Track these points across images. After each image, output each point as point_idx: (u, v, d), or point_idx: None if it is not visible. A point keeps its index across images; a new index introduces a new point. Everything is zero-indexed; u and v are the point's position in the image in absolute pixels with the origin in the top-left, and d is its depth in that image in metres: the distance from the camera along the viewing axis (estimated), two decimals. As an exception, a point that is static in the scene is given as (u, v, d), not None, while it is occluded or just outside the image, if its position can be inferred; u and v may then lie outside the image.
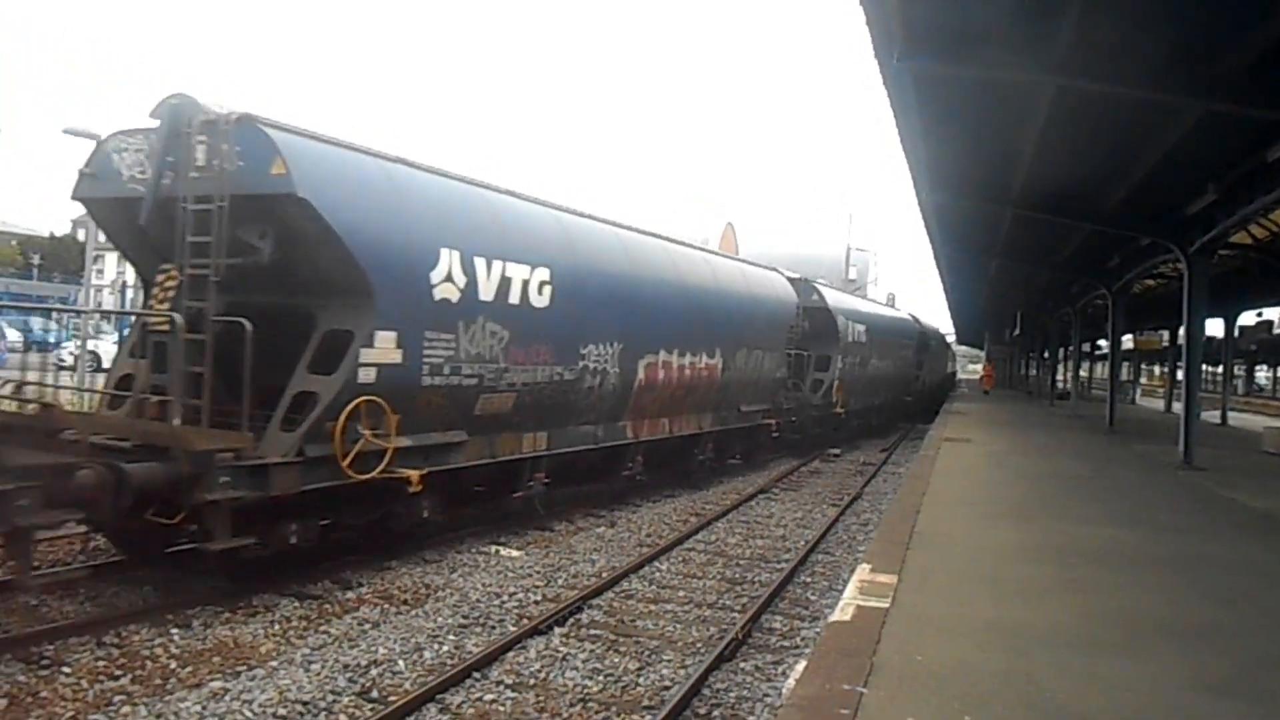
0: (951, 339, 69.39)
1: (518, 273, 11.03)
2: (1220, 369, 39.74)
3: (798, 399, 22.59)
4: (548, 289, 11.61)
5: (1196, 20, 9.34)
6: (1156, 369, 67.41)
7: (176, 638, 7.62)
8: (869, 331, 27.98)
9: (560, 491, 13.31)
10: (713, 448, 17.67)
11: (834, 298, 25.58)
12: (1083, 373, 48.32)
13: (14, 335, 34.47)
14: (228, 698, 6.39)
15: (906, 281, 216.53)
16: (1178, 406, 24.00)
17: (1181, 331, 21.46)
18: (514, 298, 11.00)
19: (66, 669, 6.84)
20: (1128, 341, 45.21)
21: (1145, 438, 22.80)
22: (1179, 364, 28.13)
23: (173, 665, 7.08)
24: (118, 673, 6.87)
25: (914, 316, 43.96)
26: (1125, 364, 52.46)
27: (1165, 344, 41.76)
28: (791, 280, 22.16)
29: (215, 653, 7.38)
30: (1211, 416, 30.50)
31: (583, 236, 13.06)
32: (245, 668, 7.05)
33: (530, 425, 11.89)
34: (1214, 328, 34.08)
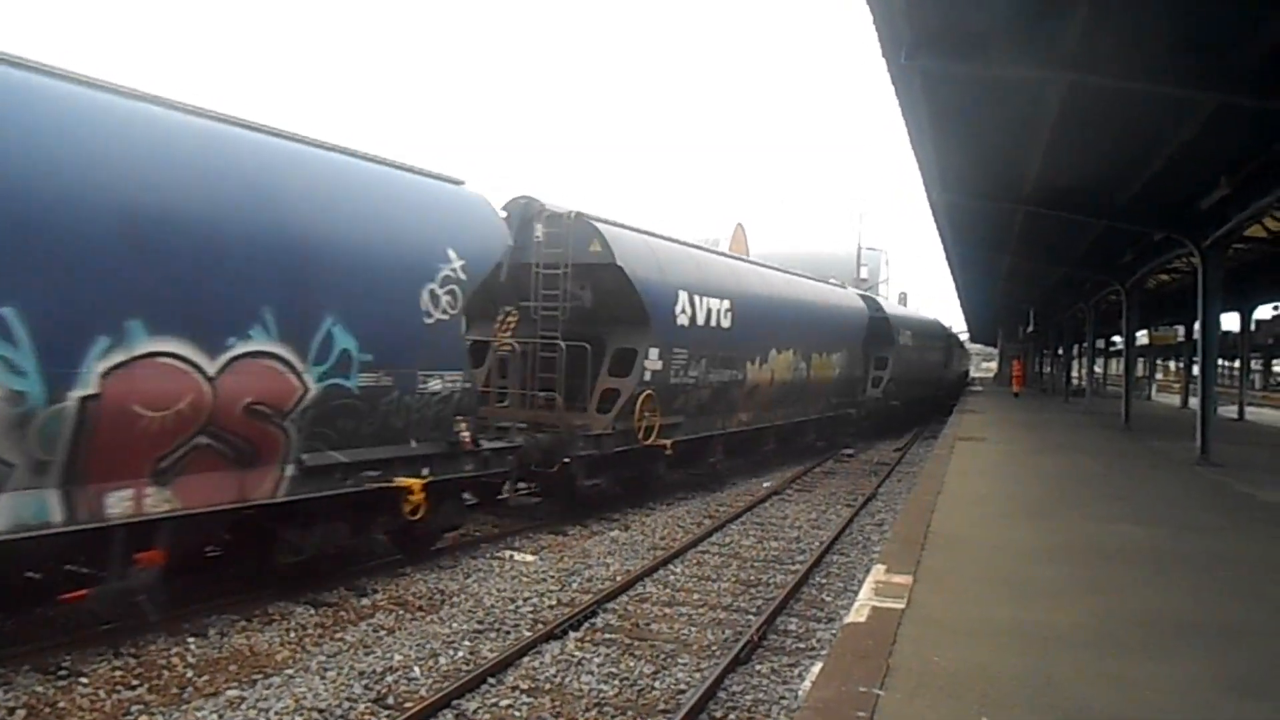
0: (965, 337, 68.97)
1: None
2: (1236, 363, 39.42)
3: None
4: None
5: (1208, 12, 9.26)
6: (1172, 364, 66.87)
7: (193, 647, 7.65)
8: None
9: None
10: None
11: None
12: (1097, 369, 47.99)
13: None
14: (244, 706, 6.40)
15: (918, 280, 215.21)
16: (1194, 402, 23.81)
17: (1196, 326, 21.25)
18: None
19: (84, 679, 6.87)
20: (1142, 337, 44.86)
21: (1161, 434, 22.63)
22: (1194, 359, 27.88)
23: (189, 674, 7.10)
24: (135, 682, 6.90)
25: (939, 321, 48.02)
26: (1140, 360, 52.07)
27: (1180, 339, 41.37)
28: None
29: (231, 661, 7.40)
30: (1228, 412, 30.27)
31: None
32: (261, 676, 7.07)
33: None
34: (1230, 322, 33.85)
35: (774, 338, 18.81)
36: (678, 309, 14.59)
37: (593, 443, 13.21)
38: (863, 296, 28.19)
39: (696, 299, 15.21)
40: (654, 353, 13.95)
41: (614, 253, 13.27)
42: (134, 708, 6.46)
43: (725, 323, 16.41)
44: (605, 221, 13.70)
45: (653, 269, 14.16)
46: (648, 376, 13.83)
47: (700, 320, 15.40)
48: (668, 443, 14.40)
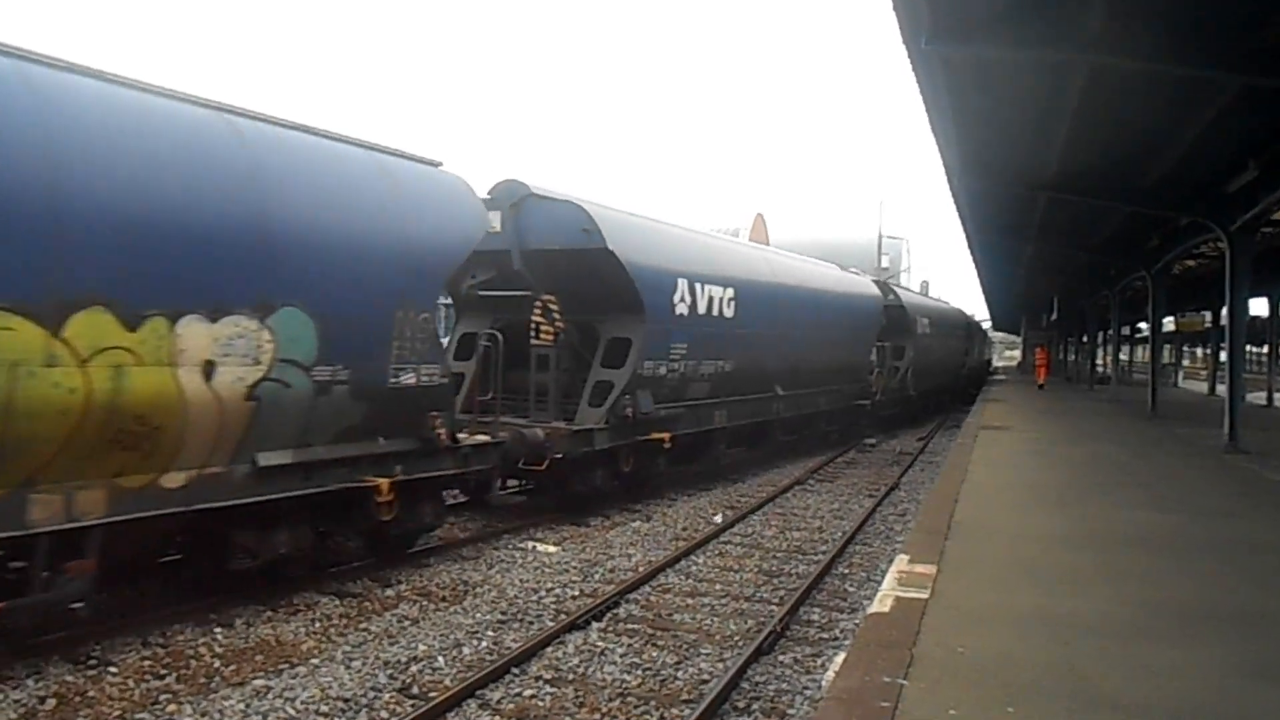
0: (987, 325, 68.37)
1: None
2: (1265, 350, 38.92)
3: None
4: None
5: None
6: (1199, 351, 66.11)
7: (220, 637, 7.73)
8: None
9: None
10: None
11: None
12: (1123, 356, 47.50)
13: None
14: (270, 695, 6.46)
15: (940, 268, 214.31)
16: (1221, 389, 23.55)
17: (1224, 312, 21.00)
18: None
19: (113, 669, 6.96)
20: (1169, 324, 44.36)
21: (1188, 421, 22.38)
22: (1222, 345, 27.54)
23: (217, 664, 7.18)
24: (163, 672, 6.98)
25: (960, 310, 47.92)
26: (1167, 347, 51.46)
27: (1208, 325, 40.85)
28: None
29: (258, 651, 7.47)
30: (1257, 398, 29.91)
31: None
32: (287, 665, 7.14)
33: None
34: (1258, 307, 33.43)
35: None
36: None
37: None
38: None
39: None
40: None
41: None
42: (162, 697, 6.54)
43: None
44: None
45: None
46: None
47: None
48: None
